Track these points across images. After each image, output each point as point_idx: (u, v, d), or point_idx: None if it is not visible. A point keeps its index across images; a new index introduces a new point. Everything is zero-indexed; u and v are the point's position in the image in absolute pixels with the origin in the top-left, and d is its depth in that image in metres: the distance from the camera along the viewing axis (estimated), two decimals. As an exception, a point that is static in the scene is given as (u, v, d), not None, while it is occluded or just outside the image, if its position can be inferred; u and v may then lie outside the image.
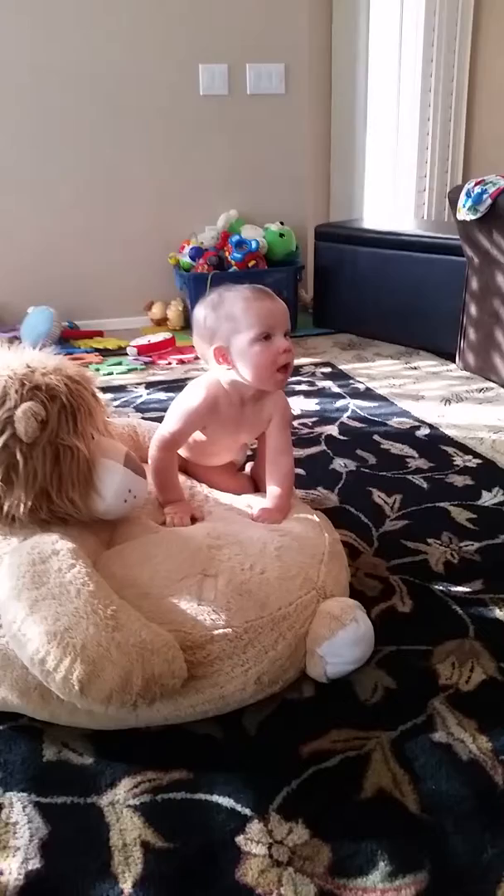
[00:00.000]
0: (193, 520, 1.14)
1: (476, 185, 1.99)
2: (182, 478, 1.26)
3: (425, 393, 2.11)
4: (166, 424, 1.21)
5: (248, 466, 1.41)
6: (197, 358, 1.28)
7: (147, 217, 2.85)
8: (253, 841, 0.74)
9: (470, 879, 0.70)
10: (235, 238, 2.67)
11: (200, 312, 1.17)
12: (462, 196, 2.03)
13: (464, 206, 2.01)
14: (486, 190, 1.95)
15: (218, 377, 1.18)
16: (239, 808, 0.77)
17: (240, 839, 0.74)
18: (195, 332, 1.20)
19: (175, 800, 0.79)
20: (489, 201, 1.94)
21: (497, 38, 3.17)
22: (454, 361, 2.32)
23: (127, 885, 0.70)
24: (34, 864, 0.72)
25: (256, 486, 1.32)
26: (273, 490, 1.20)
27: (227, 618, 0.89)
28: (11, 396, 0.91)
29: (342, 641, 0.92)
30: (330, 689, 0.94)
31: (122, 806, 0.78)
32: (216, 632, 0.88)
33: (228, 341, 1.13)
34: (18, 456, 0.90)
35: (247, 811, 0.77)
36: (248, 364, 1.12)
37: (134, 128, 2.73)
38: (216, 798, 0.79)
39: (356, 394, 2.11)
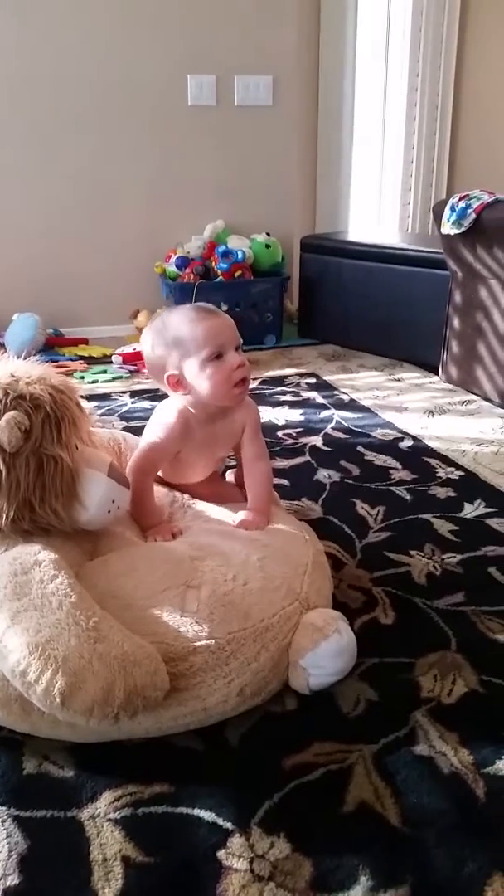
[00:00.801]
0: (174, 537, 1.13)
1: (460, 199, 2.01)
2: (163, 491, 1.25)
3: (409, 405, 2.12)
4: (142, 452, 1.18)
5: (230, 474, 1.41)
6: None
7: (134, 226, 2.85)
8: (234, 855, 0.73)
9: (451, 893, 0.70)
10: (222, 248, 2.67)
11: (147, 342, 1.17)
12: (447, 210, 2.05)
13: (448, 221, 2.03)
14: (470, 205, 1.98)
15: (183, 400, 1.17)
16: (220, 821, 0.77)
17: (221, 854, 0.74)
18: (147, 363, 1.20)
19: (156, 814, 0.78)
20: (473, 216, 1.96)
21: (482, 56, 3.22)
22: (437, 374, 2.34)
23: (107, 901, 0.69)
24: (13, 879, 0.71)
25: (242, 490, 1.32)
26: (252, 496, 1.20)
27: (209, 629, 0.89)
28: (-6, 406, 0.90)
29: (325, 653, 0.92)
30: (312, 701, 0.94)
31: (102, 820, 0.78)
32: (199, 643, 0.87)
33: (180, 367, 1.13)
34: (1, 466, 0.90)
35: (228, 825, 0.77)
36: (204, 386, 1.12)
37: (122, 136, 2.74)
38: (198, 812, 0.78)
39: (340, 405, 2.12)
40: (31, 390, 0.93)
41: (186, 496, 1.25)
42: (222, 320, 1.13)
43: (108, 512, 0.97)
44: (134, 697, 0.79)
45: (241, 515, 1.17)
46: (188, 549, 1.02)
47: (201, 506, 1.22)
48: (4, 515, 0.90)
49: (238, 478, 1.34)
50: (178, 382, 1.14)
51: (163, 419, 1.18)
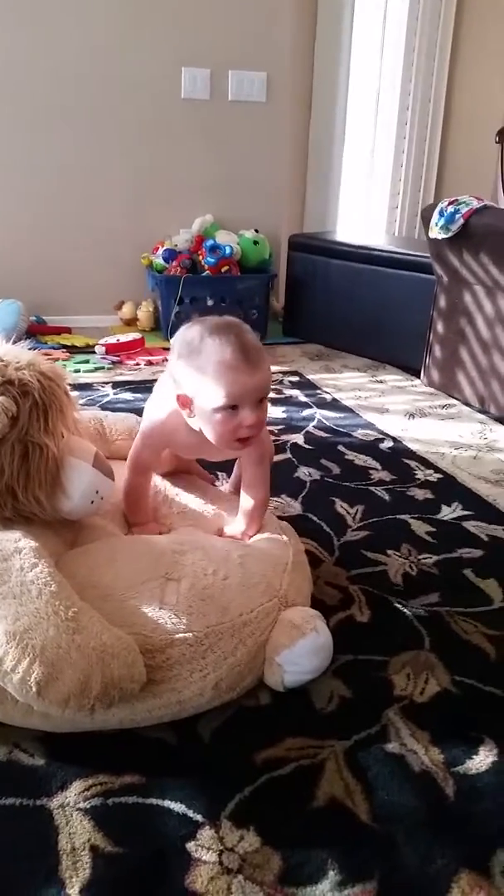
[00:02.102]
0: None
1: (449, 204, 2.03)
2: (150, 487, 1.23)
3: (390, 406, 2.13)
4: (134, 451, 1.15)
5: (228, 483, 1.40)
6: (166, 360, 1.21)
7: (122, 216, 2.83)
8: (204, 847, 0.74)
9: (419, 889, 0.70)
10: (209, 243, 2.67)
11: (177, 345, 1.04)
12: (435, 214, 2.06)
13: (436, 225, 2.05)
14: (458, 210, 1.99)
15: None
16: (191, 814, 0.77)
17: (190, 845, 0.74)
18: (173, 352, 1.06)
19: (126, 804, 0.78)
20: (461, 221, 1.98)
21: (474, 60, 3.24)
22: (419, 377, 2.36)
23: (74, 890, 0.69)
24: (-21, 867, 0.71)
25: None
26: (243, 518, 1.16)
27: (187, 622, 0.89)
28: (-18, 391, 0.89)
29: (301, 650, 0.92)
30: (286, 697, 0.94)
31: (72, 809, 0.77)
32: (176, 636, 0.87)
33: (194, 396, 1.02)
34: None
35: (198, 817, 0.77)
36: (208, 427, 1.03)
37: (113, 126, 2.72)
38: (168, 803, 0.78)
39: (322, 404, 2.12)
40: (20, 376, 0.92)
41: (168, 485, 1.24)
42: (255, 377, 0.99)
43: (92, 503, 0.97)
44: (110, 689, 0.78)
45: (228, 531, 1.16)
46: (170, 542, 1.02)
47: (184, 498, 1.22)
48: (-14, 502, 0.89)
49: (234, 485, 1.32)
50: (186, 405, 1.04)
51: (153, 414, 1.14)
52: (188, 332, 1.03)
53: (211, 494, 1.26)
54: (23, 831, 0.75)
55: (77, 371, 2.33)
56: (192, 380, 1.00)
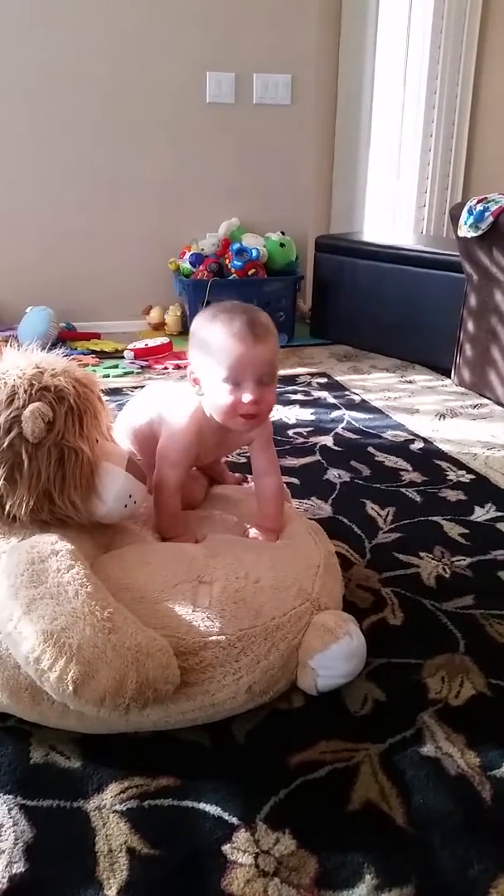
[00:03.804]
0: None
1: (478, 202, 2.01)
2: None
3: (420, 407, 2.12)
4: (166, 468, 1.12)
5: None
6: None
7: (149, 221, 2.85)
8: (239, 850, 0.74)
9: (456, 895, 0.70)
10: (236, 246, 2.67)
11: (195, 322, 1.09)
12: (464, 213, 2.04)
13: (465, 223, 2.03)
14: (487, 208, 1.97)
15: (199, 400, 1.11)
16: (226, 816, 0.77)
17: (226, 848, 0.74)
18: (190, 341, 1.11)
19: (162, 806, 0.79)
20: (490, 219, 1.95)
21: (500, 59, 3.21)
22: (449, 377, 2.34)
23: (112, 892, 0.69)
24: (18, 867, 0.72)
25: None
26: (262, 513, 1.17)
27: (220, 625, 0.89)
28: (20, 396, 0.91)
29: (335, 655, 0.92)
30: (320, 700, 0.94)
31: (108, 811, 0.78)
32: (210, 638, 0.87)
33: (201, 366, 1.06)
34: (24, 456, 0.90)
35: (234, 820, 0.77)
36: (212, 402, 1.06)
37: (139, 131, 2.74)
38: (203, 806, 0.79)
39: (351, 405, 2.12)
40: (56, 382, 0.93)
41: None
42: (259, 350, 1.01)
43: (125, 506, 0.97)
44: (145, 689, 0.79)
45: (252, 532, 1.15)
46: (200, 547, 1.02)
47: (205, 511, 1.22)
48: (24, 505, 0.90)
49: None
50: (197, 382, 1.09)
51: (176, 428, 1.12)
52: (204, 312, 1.08)
53: (238, 497, 1.26)
54: (60, 833, 0.76)
55: (106, 376, 2.35)
56: (201, 354, 1.06)
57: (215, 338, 1.03)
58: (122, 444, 1.11)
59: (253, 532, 1.15)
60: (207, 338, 1.04)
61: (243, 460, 1.56)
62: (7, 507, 0.91)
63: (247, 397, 1.02)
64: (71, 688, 0.77)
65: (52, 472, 0.91)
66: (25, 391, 0.91)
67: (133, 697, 0.78)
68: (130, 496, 0.97)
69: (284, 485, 1.40)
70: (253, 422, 1.06)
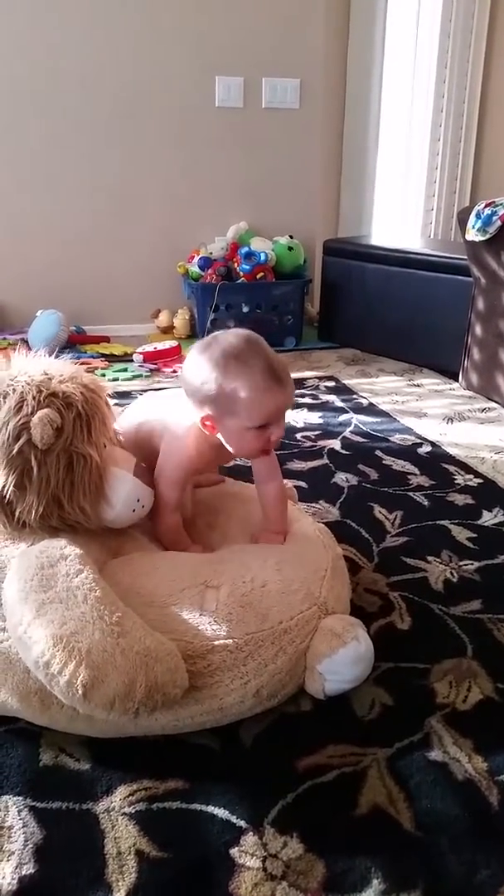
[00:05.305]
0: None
1: (486, 206, 2.01)
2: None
3: (428, 410, 2.12)
4: (167, 488, 1.09)
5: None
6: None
7: (157, 225, 2.87)
8: (247, 853, 0.74)
9: (463, 900, 0.70)
10: (244, 250, 2.68)
11: (195, 365, 1.01)
12: (472, 217, 2.04)
13: (473, 227, 2.03)
14: (495, 212, 1.97)
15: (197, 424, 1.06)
16: (234, 819, 0.78)
17: (234, 851, 0.74)
18: (184, 379, 1.03)
19: (170, 809, 0.79)
20: (498, 223, 1.95)
21: (510, 62, 3.20)
22: (457, 380, 2.33)
23: (120, 894, 0.70)
24: (28, 869, 0.72)
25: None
26: (266, 518, 1.16)
27: (228, 629, 0.89)
28: (29, 403, 0.91)
29: (342, 659, 0.92)
30: (327, 704, 0.94)
31: (117, 814, 0.78)
32: (217, 642, 0.88)
33: (220, 418, 1.01)
34: (33, 462, 0.91)
35: (242, 823, 0.77)
36: (235, 444, 1.03)
37: (148, 136, 2.76)
38: (211, 809, 0.79)
39: (359, 409, 2.12)
40: (64, 388, 0.94)
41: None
42: (286, 393, 0.99)
43: (133, 511, 0.98)
44: (154, 693, 0.80)
45: (260, 537, 1.15)
46: (209, 555, 1.03)
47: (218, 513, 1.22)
48: (34, 511, 0.91)
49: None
50: (210, 427, 1.03)
51: (176, 448, 1.10)
52: (208, 354, 1.00)
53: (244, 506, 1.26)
54: (69, 835, 0.76)
55: (116, 379, 2.36)
56: (222, 403, 0.99)
57: (239, 392, 0.97)
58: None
59: (260, 537, 1.15)
60: (229, 393, 0.97)
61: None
62: (17, 514, 0.92)
63: (276, 434, 1.01)
64: (81, 692, 0.78)
65: (62, 478, 0.92)
66: (34, 398, 0.92)
67: (142, 701, 0.79)
68: (138, 500, 0.98)
69: (292, 486, 1.41)
70: (270, 451, 1.06)
